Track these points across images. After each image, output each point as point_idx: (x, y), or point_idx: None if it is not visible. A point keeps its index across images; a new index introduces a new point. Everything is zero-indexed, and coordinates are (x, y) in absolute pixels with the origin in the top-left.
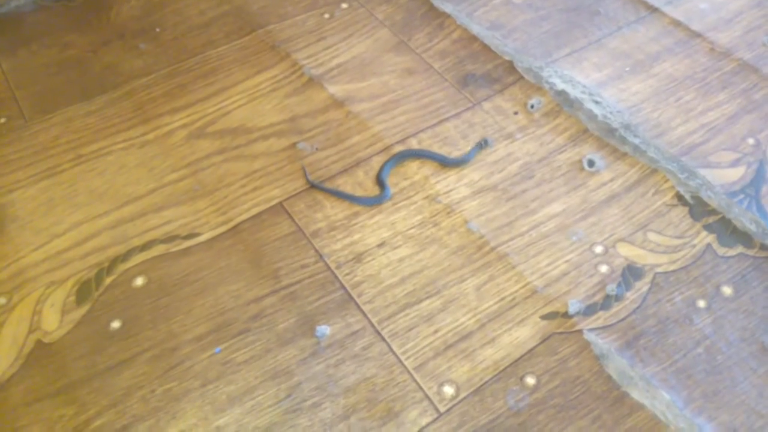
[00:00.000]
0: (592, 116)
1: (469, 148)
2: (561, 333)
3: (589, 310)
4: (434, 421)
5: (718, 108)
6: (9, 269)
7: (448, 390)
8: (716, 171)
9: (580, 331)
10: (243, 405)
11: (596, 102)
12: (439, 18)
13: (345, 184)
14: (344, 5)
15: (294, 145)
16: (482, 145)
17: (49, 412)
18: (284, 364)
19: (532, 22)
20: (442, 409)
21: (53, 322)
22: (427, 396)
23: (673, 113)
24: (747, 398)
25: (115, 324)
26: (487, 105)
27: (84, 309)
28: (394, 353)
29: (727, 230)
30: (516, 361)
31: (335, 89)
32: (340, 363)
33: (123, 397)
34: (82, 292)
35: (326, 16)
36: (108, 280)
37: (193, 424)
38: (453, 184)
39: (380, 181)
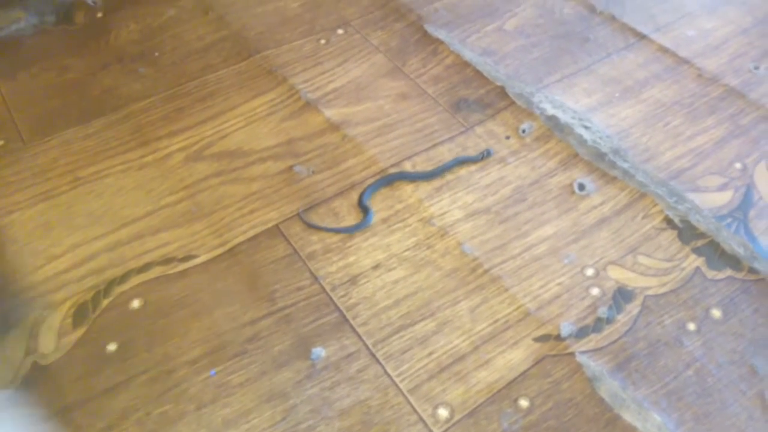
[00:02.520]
0: (582, 141)
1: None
2: (554, 355)
3: (581, 333)
4: None
5: (706, 133)
6: (4, 292)
7: (443, 413)
8: (704, 195)
9: (572, 354)
10: (238, 428)
11: (586, 127)
12: (432, 44)
13: (341, 206)
14: (340, 31)
15: (290, 168)
16: (485, 155)
17: None
18: (279, 387)
19: (524, 48)
20: None
21: (50, 345)
22: (421, 419)
23: (662, 138)
24: (737, 420)
25: (111, 346)
26: (479, 129)
27: (80, 331)
28: (388, 375)
29: (716, 253)
30: (509, 383)
31: (331, 113)
32: (335, 385)
33: (119, 419)
34: (79, 315)
35: (322, 41)
36: (105, 303)
37: None
38: (447, 207)
39: (362, 206)
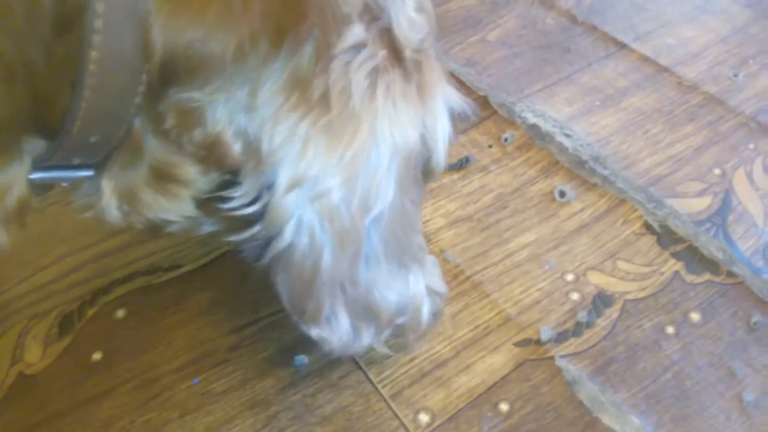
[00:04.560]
0: (563, 149)
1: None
2: (534, 360)
3: (561, 337)
4: None
5: (685, 140)
6: None
7: (424, 417)
8: (683, 200)
9: (552, 358)
10: None
11: (567, 135)
12: None
13: None
14: None
15: None
16: (464, 162)
17: None
18: (262, 394)
19: (506, 59)
20: None
21: (35, 354)
22: (402, 424)
23: (641, 145)
24: (715, 422)
25: (97, 355)
26: (462, 138)
27: (66, 341)
28: (370, 381)
29: (695, 258)
30: (490, 388)
31: None
32: (317, 392)
33: (103, 427)
34: (65, 325)
35: None
36: (90, 313)
37: None
38: (429, 215)
39: None
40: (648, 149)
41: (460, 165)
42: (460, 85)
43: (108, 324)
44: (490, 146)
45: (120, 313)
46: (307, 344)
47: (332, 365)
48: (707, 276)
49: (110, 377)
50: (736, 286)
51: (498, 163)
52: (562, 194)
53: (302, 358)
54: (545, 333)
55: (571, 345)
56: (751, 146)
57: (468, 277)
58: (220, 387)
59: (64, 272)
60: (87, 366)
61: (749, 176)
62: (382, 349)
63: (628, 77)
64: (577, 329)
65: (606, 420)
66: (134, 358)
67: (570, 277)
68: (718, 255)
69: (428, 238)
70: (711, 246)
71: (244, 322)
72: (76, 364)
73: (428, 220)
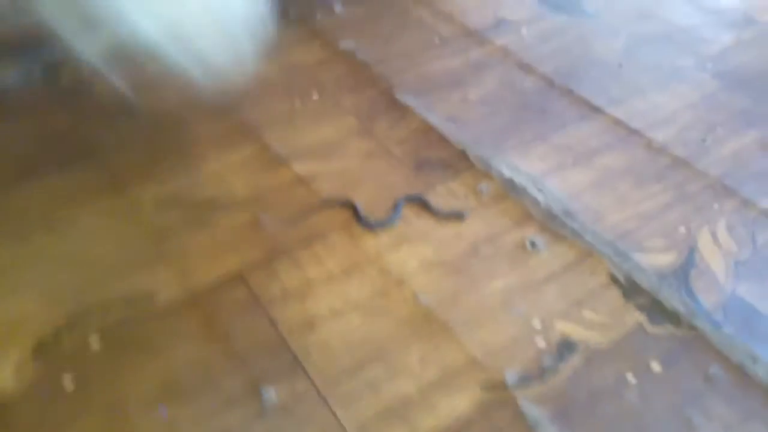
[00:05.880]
0: (536, 202)
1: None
2: (497, 402)
3: (525, 381)
4: None
5: (653, 198)
6: None
7: None
8: (649, 255)
9: (515, 401)
10: None
11: (539, 189)
12: (400, 110)
13: (302, 256)
14: (315, 97)
15: (257, 218)
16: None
17: None
18: (228, 426)
19: (485, 116)
20: None
21: (7, 379)
22: None
23: (610, 202)
24: None
25: (69, 384)
26: (440, 188)
27: (40, 369)
28: (336, 417)
29: (657, 310)
30: (453, 428)
31: (301, 168)
32: (282, 426)
33: None
34: (39, 353)
35: (297, 104)
36: (65, 342)
37: None
38: (405, 258)
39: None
40: (616, 205)
41: (455, 216)
42: (441, 138)
43: (82, 354)
44: (467, 197)
45: (94, 344)
46: (277, 378)
47: (299, 400)
48: (669, 327)
49: (81, 406)
50: (696, 339)
51: (474, 213)
52: (533, 245)
53: (270, 392)
54: (510, 376)
55: (535, 389)
56: (716, 207)
57: (439, 320)
58: (187, 418)
59: (42, 301)
60: (59, 394)
61: (713, 235)
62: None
63: (600, 138)
64: (541, 374)
65: None
66: (106, 388)
67: (537, 324)
68: (680, 308)
69: (402, 281)
70: (673, 299)
71: (215, 355)
72: (49, 391)
73: (404, 263)
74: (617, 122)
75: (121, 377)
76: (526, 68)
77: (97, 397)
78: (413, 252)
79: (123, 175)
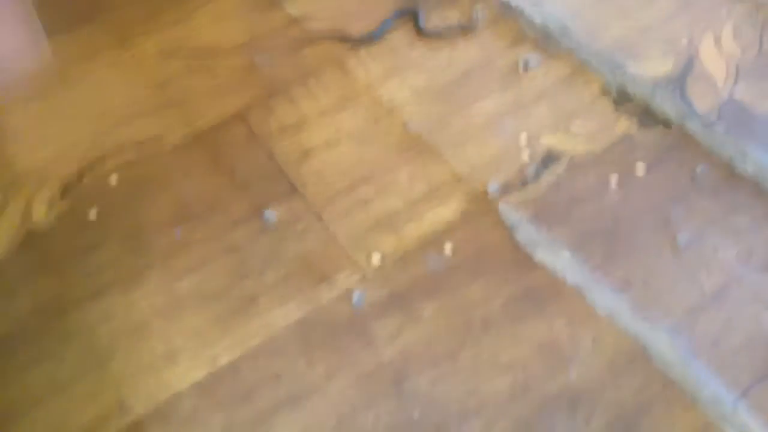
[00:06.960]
0: (531, 22)
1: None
2: (479, 210)
3: (507, 190)
4: (361, 281)
5: (656, 8)
6: (5, 173)
7: (375, 258)
8: (646, 64)
9: (496, 207)
10: (198, 273)
11: (536, 7)
12: None
13: (297, 93)
14: None
15: (253, 61)
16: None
17: (37, 285)
18: (235, 242)
19: None
20: (368, 274)
21: (41, 215)
22: (356, 263)
23: (612, 15)
24: (646, 260)
25: (92, 215)
26: (434, 15)
27: (67, 203)
28: (330, 232)
29: (648, 116)
30: (437, 233)
31: (293, 9)
32: (283, 240)
33: (97, 270)
34: (66, 190)
35: None
36: (87, 179)
37: (153, 288)
38: (397, 87)
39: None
40: (617, 19)
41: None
42: None
43: (103, 189)
44: (461, 23)
45: (113, 180)
46: (276, 202)
47: (297, 219)
48: (659, 131)
49: (104, 231)
50: (685, 139)
51: (467, 38)
52: (527, 63)
53: (271, 213)
54: (492, 187)
55: (515, 196)
56: (724, 11)
57: (427, 143)
58: (198, 237)
59: (65, 146)
60: (85, 223)
61: (717, 40)
62: None
63: None
64: (523, 183)
65: (539, 255)
66: (124, 216)
67: (523, 139)
68: (672, 113)
69: (393, 109)
70: (666, 105)
71: (221, 185)
72: (76, 222)
73: (395, 91)
74: None
75: (139, 207)
76: None
77: (117, 224)
78: (405, 82)
79: (127, 30)
